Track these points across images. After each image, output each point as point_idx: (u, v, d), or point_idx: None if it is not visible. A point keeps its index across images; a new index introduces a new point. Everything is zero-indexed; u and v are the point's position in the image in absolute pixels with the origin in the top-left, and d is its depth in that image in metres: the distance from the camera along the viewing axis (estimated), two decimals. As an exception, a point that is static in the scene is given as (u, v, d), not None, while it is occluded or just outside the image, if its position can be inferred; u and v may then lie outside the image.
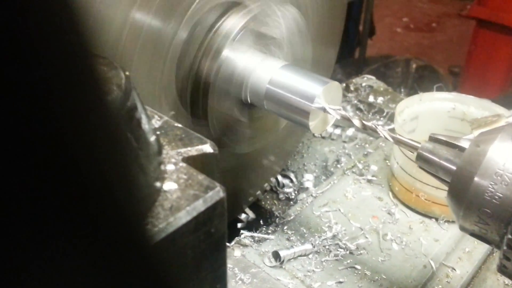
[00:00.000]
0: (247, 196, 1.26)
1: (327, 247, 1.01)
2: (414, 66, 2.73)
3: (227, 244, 0.95)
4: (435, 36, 4.72)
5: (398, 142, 0.78)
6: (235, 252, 0.98)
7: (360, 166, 1.25)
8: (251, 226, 1.22)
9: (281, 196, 1.32)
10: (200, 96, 0.92)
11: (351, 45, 2.87)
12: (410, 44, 4.54)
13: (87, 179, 0.32)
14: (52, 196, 0.30)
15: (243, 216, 1.26)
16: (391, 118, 1.45)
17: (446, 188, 0.69)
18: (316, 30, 1.16)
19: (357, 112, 1.52)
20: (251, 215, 1.27)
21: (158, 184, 0.45)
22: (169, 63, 0.86)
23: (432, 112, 1.18)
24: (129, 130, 0.42)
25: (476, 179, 0.63)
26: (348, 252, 1.01)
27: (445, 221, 1.09)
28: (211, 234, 0.46)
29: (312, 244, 1.01)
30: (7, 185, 0.27)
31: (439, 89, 1.33)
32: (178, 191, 0.45)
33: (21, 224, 0.29)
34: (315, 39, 1.14)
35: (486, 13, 2.66)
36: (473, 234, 0.69)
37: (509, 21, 2.60)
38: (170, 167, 0.48)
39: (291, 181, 1.35)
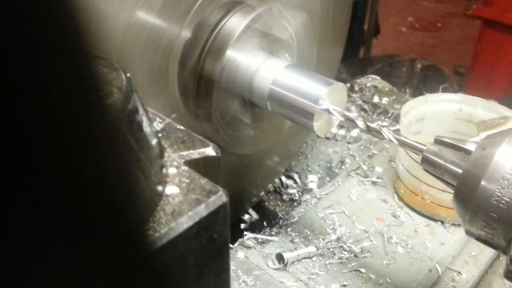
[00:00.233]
0: (251, 196, 1.26)
1: (331, 249, 1.00)
2: (419, 66, 2.71)
3: (230, 245, 0.94)
4: (440, 35, 4.70)
5: (403, 144, 0.77)
6: (238, 254, 0.98)
7: (365, 167, 1.24)
8: (254, 227, 1.21)
9: (284, 197, 1.32)
10: (204, 96, 0.91)
11: (356, 44, 2.86)
12: (415, 44, 4.52)
13: (86, 183, 0.31)
14: (52, 201, 0.29)
15: (246, 217, 1.25)
16: (396, 119, 1.44)
17: (452, 191, 0.68)
18: (322, 30, 1.15)
19: (362, 112, 1.51)
20: (255, 216, 1.26)
21: (160, 188, 0.44)
22: (172, 63, 0.85)
23: (438, 114, 1.17)
24: (130, 133, 0.41)
25: (482, 183, 0.63)
26: (352, 255, 1.00)
27: (451, 224, 1.07)
28: (214, 239, 0.46)
29: (316, 246, 1.00)
30: (9, 188, 0.27)
31: (445, 90, 1.32)
32: (180, 196, 0.44)
33: (20, 228, 0.28)
34: (320, 39, 1.13)
35: (492, 13, 2.65)
36: (479, 239, 0.68)
37: (515, 21, 2.58)
38: (172, 170, 0.47)
39: (295, 182, 1.34)
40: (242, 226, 1.23)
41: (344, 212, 1.10)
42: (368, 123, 0.83)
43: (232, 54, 0.89)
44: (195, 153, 0.51)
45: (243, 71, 0.90)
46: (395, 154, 1.21)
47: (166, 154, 0.49)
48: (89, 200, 0.31)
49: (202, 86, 0.90)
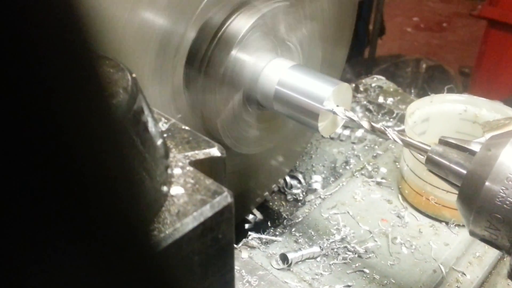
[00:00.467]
0: (255, 196, 1.26)
1: (335, 250, 1.00)
2: (424, 66, 2.71)
3: (234, 245, 0.94)
4: (445, 36, 4.69)
5: (408, 144, 0.77)
6: (242, 254, 0.98)
7: (369, 168, 1.24)
8: (258, 227, 1.21)
9: (289, 197, 1.32)
10: (209, 96, 0.91)
11: (361, 44, 2.85)
12: (420, 44, 4.51)
13: (91, 183, 0.31)
14: (55, 201, 0.29)
15: (250, 217, 1.25)
16: (401, 120, 1.44)
17: (456, 192, 0.68)
18: (327, 30, 1.15)
19: (367, 113, 1.51)
20: (259, 216, 1.26)
21: (165, 188, 0.44)
22: (178, 63, 0.86)
23: (443, 114, 1.16)
24: (135, 134, 0.41)
25: (487, 183, 0.62)
26: (356, 255, 1.00)
27: (455, 225, 1.07)
28: (218, 240, 0.46)
29: (320, 246, 1.00)
30: (11, 189, 0.27)
31: (450, 90, 1.32)
32: (185, 196, 0.45)
33: (22, 228, 0.28)
34: (325, 39, 1.13)
35: (497, 13, 2.63)
36: (483, 240, 0.68)
37: (521, 22, 2.57)
38: (177, 171, 0.47)
39: (299, 182, 1.34)
40: (247, 226, 1.23)
41: (348, 212, 1.10)
42: (372, 124, 0.83)
43: (238, 54, 0.89)
44: (200, 154, 0.51)
45: (249, 71, 0.90)
46: (400, 155, 1.21)
47: (171, 155, 0.49)
48: (94, 201, 0.31)
49: (207, 86, 0.90)
